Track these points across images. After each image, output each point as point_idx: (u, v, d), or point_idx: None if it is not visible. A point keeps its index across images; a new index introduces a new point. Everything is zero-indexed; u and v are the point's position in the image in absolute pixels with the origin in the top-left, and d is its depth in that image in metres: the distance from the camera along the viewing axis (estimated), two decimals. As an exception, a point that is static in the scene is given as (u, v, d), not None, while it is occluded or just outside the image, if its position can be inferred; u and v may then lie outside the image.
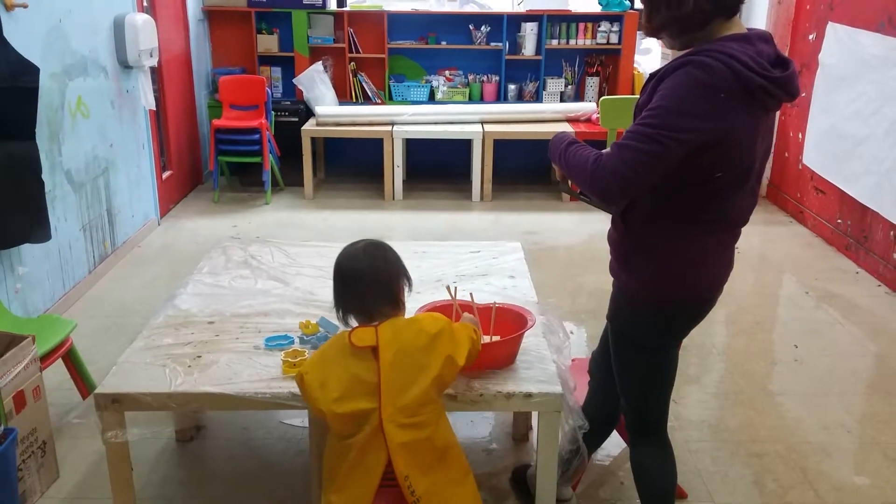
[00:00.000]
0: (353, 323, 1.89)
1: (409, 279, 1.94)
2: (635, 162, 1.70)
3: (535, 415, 2.70)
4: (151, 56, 4.92)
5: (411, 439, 1.79)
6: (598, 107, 6.00)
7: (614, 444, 2.71)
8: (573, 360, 2.58)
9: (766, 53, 1.76)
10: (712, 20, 1.77)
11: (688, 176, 1.76)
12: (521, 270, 2.90)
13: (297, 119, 6.24)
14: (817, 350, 3.68)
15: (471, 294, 2.33)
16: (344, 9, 6.42)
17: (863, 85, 4.69)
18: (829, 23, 5.15)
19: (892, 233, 4.44)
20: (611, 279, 2.07)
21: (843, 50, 4.96)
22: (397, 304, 1.89)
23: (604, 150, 1.84)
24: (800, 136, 5.61)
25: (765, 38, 1.80)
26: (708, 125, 1.69)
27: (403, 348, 1.81)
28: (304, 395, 1.88)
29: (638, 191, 1.77)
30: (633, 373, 2.07)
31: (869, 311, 4.16)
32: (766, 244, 5.23)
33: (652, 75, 1.82)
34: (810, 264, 4.84)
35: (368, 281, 1.87)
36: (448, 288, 2.29)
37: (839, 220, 5.05)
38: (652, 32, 1.87)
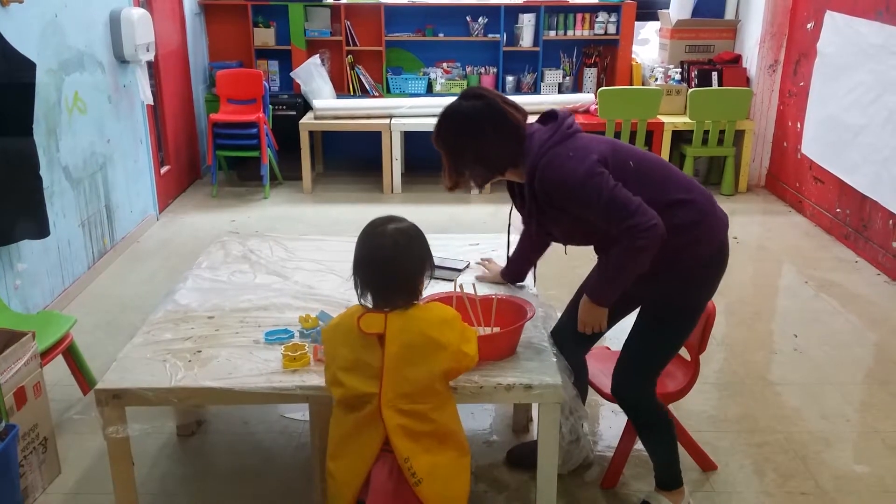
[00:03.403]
0: (369, 298, 1.90)
1: (432, 268, 1.96)
2: (632, 209, 2.02)
3: (535, 406, 2.71)
4: (148, 51, 4.91)
5: (409, 423, 1.83)
6: (596, 98, 5.99)
7: (615, 435, 2.71)
8: (592, 350, 2.61)
9: (548, 119, 2.19)
10: (506, 171, 2.19)
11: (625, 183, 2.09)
12: (520, 262, 2.90)
13: (294, 113, 6.22)
14: (817, 340, 3.69)
15: (473, 285, 2.36)
16: (340, 1, 6.40)
17: (861, 74, 4.68)
18: (828, 11, 5.14)
19: (890, 222, 4.44)
20: None
21: (841, 38, 4.95)
22: (414, 296, 1.91)
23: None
24: (798, 125, 5.60)
25: (542, 119, 2.21)
26: (600, 160, 2.08)
27: (411, 341, 1.83)
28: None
29: (652, 213, 2.05)
30: (678, 339, 2.31)
31: (868, 300, 4.16)
32: (764, 234, 5.23)
33: (528, 192, 2.17)
34: (809, 254, 4.84)
35: (389, 274, 1.87)
36: (462, 287, 2.33)
37: (838, 210, 5.05)
38: (452, 188, 2.23)
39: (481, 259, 2.77)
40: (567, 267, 2.73)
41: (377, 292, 1.89)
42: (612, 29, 6.45)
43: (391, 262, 1.86)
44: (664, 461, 2.44)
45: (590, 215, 2.10)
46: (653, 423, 2.39)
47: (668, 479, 2.44)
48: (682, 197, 2.15)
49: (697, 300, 2.28)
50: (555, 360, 2.19)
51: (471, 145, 2.13)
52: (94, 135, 4.40)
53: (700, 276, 2.24)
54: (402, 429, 1.82)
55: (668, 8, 6.45)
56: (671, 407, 2.62)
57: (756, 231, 5.28)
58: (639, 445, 2.65)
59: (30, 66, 3.31)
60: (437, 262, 2.76)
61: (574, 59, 6.64)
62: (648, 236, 2.02)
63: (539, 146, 2.11)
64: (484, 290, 2.49)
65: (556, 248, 2.53)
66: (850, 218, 4.90)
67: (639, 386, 2.33)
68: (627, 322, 2.40)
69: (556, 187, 2.09)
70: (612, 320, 2.38)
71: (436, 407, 1.87)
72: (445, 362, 1.85)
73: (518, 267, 2.65)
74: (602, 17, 6.43)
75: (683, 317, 2.28)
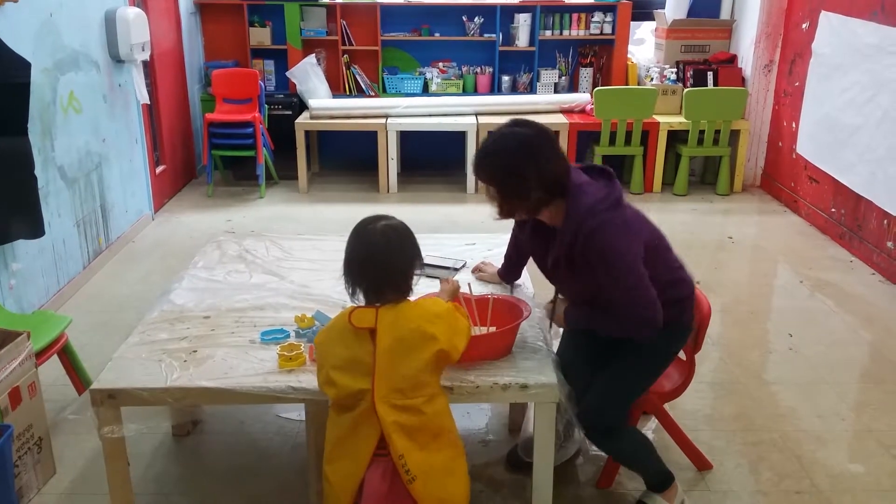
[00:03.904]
0: (360, 296, 1.91)
1: (421, 265, 1.98)
2: (648, 301, 2.11)
3: (531, 405, 2.71)
4: (143, 50, 4.90)
5: (404, 420, 1.84)
6: (592, 98, 6.00)
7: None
8: None
9: (598, 175, 2.20)
10: (553, 201, 2.13)
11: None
12: (516, 262, 2.90)
13: (290, 112, 6.22)
14: (812, 339, 3.70)
15: (469, 284, 2.37)
16: (336, 1, 6.39)
17: (856, 74, 4.70)
18: (823, 12, 5.15)
19: (885, 221, 4.45)
20: None
21: (836, 39, 4.96)
22: (405, 292, 1.92)
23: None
24: (793, 125, 5.61)
25: (589, 171, 2.21)
26: (641, 243, 2.14)
27: (402, 335, 1.84)
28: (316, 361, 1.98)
29: (660, 310, 2.15)
30: (653, 375, 2.38)
31: (863, 299, 4.17)
32: (760, 233, 5.24)
33: (565, 241, 2.13)
34: (804, 253, 4.85)
35: (381, 270, 1.89)
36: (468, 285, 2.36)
37: (833, 209, 5.06)
38: (505, 216, 2.20)
39: (475, 266, 2.77)
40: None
41: (369, 288, 1.90)
42: (607, 29, 6.46)
43: (384, 259, 1.89)
44: (646, 469, 2.45)
45: (609, 288, 2.12)
46: (621, 447, 2.40)
47: (657, 480, 2.44)
48: (681, 276, 2.32)
49: (673, 351, 2.41)
50: (551, 359, 2.19)
51: (534, 167, 2.07)
52: (90, 134, 4.39)
53: (675, 342, 2.37)
54: (396, 425, 1.83)
55: (663, 8, 6.46)
56: (667, 406, 2.64)
57: (751, 231, 5.29)
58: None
59: (25, 66, 3.30)
60: (433, 261, 2.77)
61: (570, 59, 6.65)
62: (649, 330, 2.14)
63: (593, 202, 2.09)
64: (479, 290, 2.49)
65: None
66: (844, 218, 4.91)
67: (611, 416, 2.32)
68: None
69: (596, 251, 2.08)
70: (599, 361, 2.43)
71: (427, 400, 1.88)
72: (435, 353, 1.86)
73: (514, 267, 2.66)
74: (598, 16, 6.44)
75: (658, 356, 2.36)
